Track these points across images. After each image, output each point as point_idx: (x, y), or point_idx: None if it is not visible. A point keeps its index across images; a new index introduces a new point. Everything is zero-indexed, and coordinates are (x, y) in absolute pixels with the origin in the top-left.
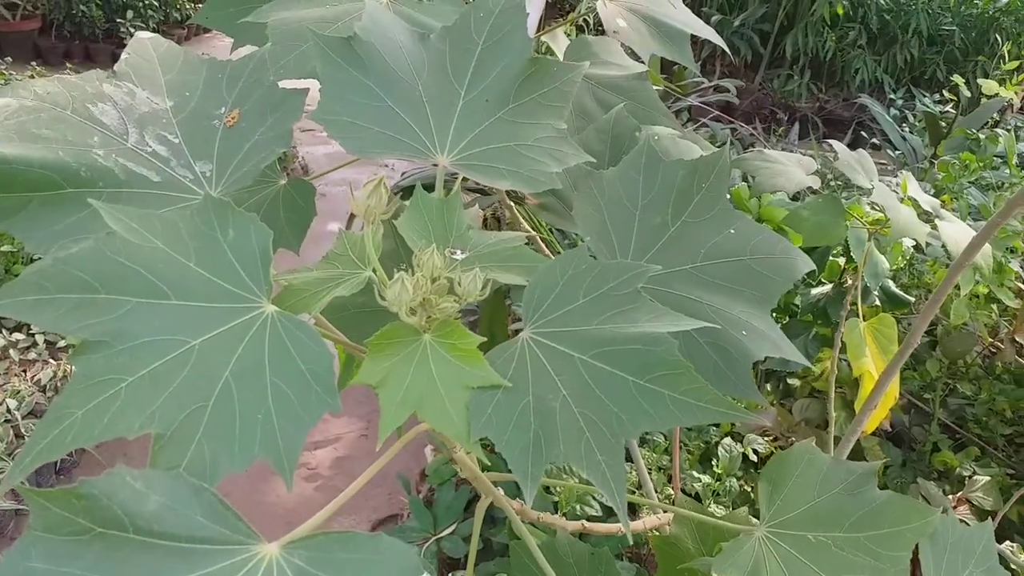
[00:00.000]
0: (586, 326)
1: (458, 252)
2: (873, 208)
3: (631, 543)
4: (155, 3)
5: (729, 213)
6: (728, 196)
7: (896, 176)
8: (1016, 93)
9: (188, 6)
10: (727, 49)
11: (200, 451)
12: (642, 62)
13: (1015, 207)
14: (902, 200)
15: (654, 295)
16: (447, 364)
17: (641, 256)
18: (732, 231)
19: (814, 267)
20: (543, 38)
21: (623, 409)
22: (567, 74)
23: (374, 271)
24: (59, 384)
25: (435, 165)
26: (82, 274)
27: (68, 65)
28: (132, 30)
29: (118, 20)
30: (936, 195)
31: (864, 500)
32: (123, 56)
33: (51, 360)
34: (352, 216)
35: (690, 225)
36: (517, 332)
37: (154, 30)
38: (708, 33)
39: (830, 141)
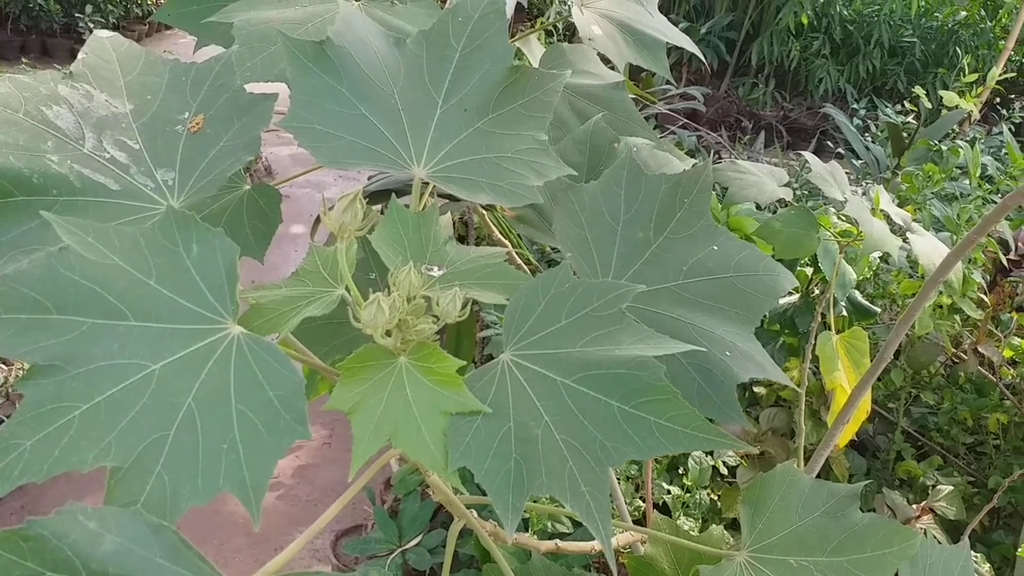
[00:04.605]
0: (569, 348)
1: (435, 269)
2: (840, 219)
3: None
4: None
5: (712, 229)
6: None
7: (860, 185)
8: (975, 105)
9: (149, 2)
10: (703, 58)
11: (160, 485)
12: (616, 70)
13: (991, 224)
14: (873, 212)
15: (636, 314)
16: (424, 389)
17: (623, 273)
18: (715, 247)
19: (797, 284)
20: (516, 44)
21: (608, 436)
22: (548, 83)
23: (347, 290)
24: (10, 391)
25: (411, 177)
26: (32, 293)
27: (24, 60)
28: (91, 25)
29: (76, 15)
30: (900, 205)
31: (846, 523)
32: (80, 56)
33: (2, 366)
34: (318, 220)
35: (673, 241)
36: (484, 340)
37: (114, 25)
38: (683, 41)
39: (802, 152)
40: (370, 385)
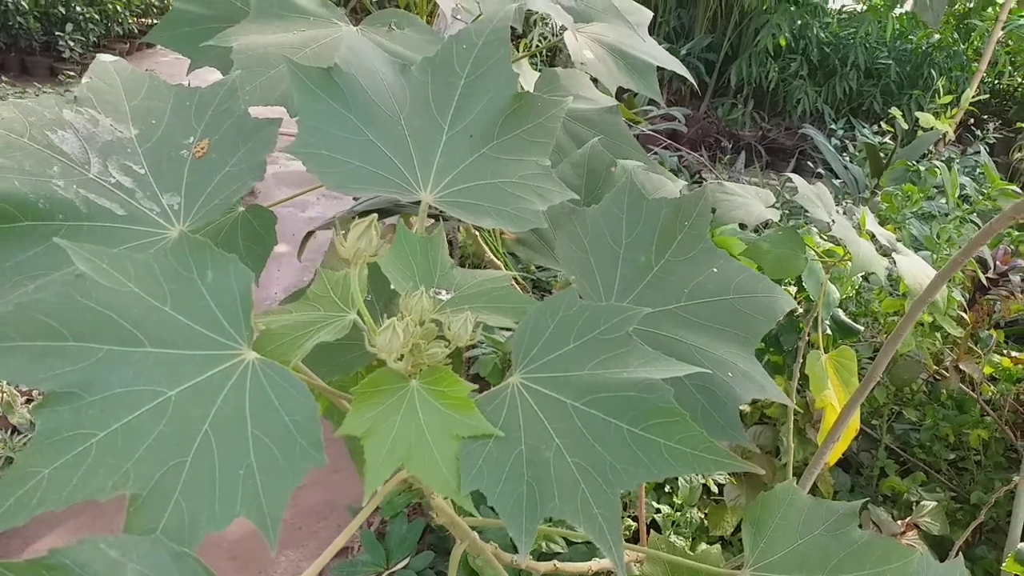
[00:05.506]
0: (578, 371)
1: (443, 293)
2: (823, 239)
3: None
4: (96, 16)
5: (711, 251)
6: None
7: (841, 205)
8: (950, 126)
9: (131, 20)
10: (691, 79)
11: (178, 511)
12: (607, 92)
13: (976, 247)
14: (859, 233)
15: (640, 336)
16: (436, 413)
17: (626, 296)
18: (715, 270)
19: (795, 305)
20: None
21: (618, 458)
22: (551, 110)
23: (359, 314)
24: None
25: (418, 202)
26: (49, 320)
27: (3, 79)
28: (71, 43)
29: (57, 33)
30: (880, 225)
31: (846, 541)
32: (84, 80)
33: None
34: (306, 240)
35: (673, 264)
36: (471, 360)
37: (94, 44)
38: (673, 64)
39: (785, 173)
40: (383, 409)
